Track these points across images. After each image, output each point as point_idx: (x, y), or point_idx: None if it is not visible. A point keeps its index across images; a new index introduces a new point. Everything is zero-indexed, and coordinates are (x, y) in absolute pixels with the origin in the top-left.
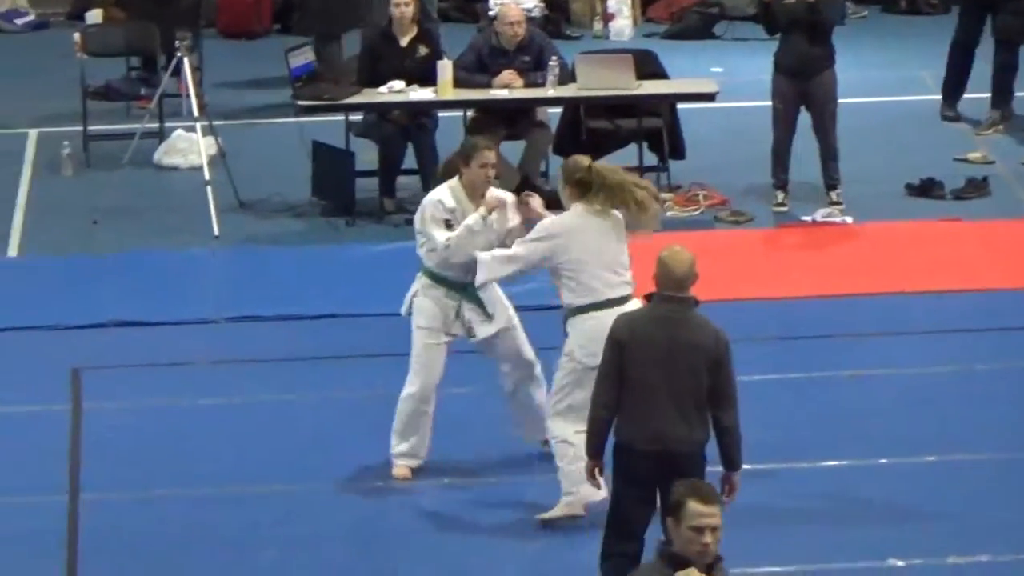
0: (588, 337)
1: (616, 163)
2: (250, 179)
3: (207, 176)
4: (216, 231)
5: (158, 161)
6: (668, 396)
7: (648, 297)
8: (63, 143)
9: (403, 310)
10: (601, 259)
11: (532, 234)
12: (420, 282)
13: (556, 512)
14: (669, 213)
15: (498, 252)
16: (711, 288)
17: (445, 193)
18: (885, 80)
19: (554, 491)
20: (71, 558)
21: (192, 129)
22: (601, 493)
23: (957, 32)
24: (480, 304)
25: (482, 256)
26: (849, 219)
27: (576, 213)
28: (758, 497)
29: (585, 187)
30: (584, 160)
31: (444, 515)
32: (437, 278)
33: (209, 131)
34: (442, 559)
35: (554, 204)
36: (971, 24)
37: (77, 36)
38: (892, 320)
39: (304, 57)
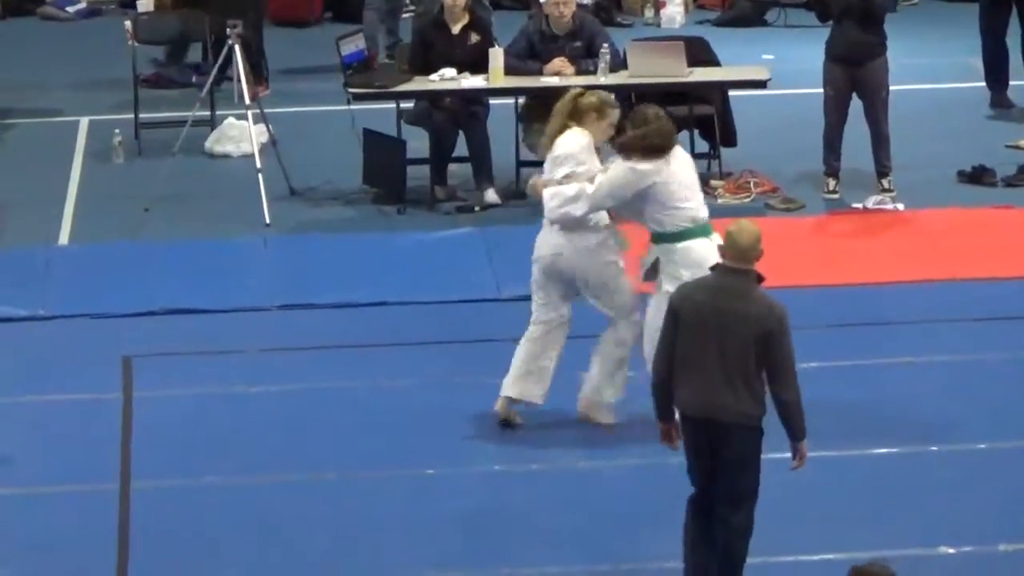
0: None
1: None
2: (301, 167)
3: (258, 164)
4: (267, 219)
5: (209, 149)
6: (716, 365)
7: (713, 267)
8: (114, 131)
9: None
10: None
11: None
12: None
13: None
14: (720, 200)
15: None
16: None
17: None
18: (936, 67)
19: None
20: (123, 546)
21: (243, 117)
22: None
23: (981, 20)
24: None
25: None
26: (900, 206)
27: None
28: (810, 485)
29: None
30: None
31: (489, 499)
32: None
33: (260, 119)
34: (486, 545)
35: None
36: (993, 10)
37: (128, 24)
38: (944, 307)
39: (355, 44)
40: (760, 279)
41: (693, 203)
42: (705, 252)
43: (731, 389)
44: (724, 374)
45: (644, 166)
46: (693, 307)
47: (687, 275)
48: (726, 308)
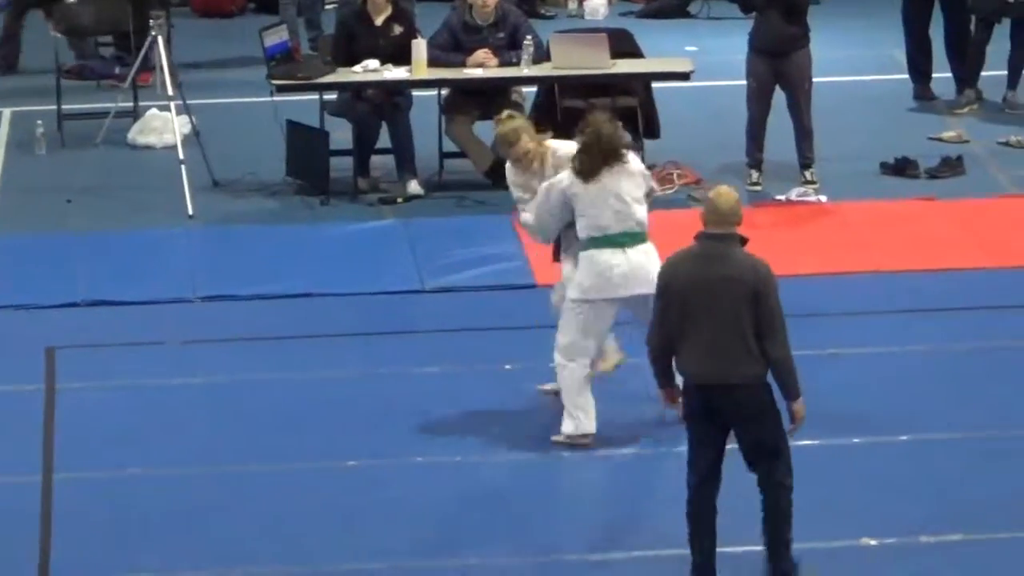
0: None
1: None
2: (224, 158)
3: (181, 155)
4: (190, 210)
5: (132, 140)
6: (712, 331)
7: (697, 236)
8: (37, 122)
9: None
10: None
11: None
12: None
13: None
14: None
15: None
16: None
17: None
18: (860, 59)
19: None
20: (45, 537)
21: (166, 108)
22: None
23: (903, 12)
24: None
25: None
26: (823, 198)
27: None
28: (730, 477)
29: None
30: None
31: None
32: None
33: (183, 110)
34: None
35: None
36: (915, 2)
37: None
38: (867, 299)
39: (279, 36)
40: (743, 241)
41: (604, 214)
42: (608, 261)
43: (730, 353)
44: (721, 338)
45: (558, 178)
46: (683, 277)
47: (586, 283)
48: (713, 274)
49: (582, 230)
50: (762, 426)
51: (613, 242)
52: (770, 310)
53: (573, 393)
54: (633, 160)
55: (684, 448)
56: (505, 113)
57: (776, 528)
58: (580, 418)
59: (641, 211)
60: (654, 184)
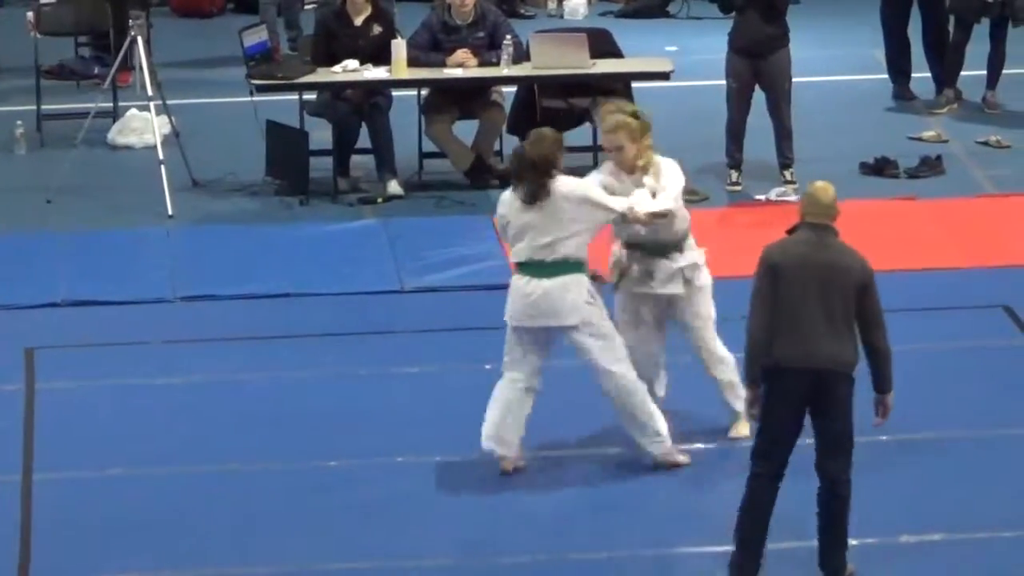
0: None
1: (570, 142)
2: (204, 158)
3: (161, 155)
4: (170, 210)
5: (112, 140)
6: (821, 316)
7: (792, 229)
8: (16, 122)
9: (579, 318)
10: None
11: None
12: (585, 281)
13: None
14: None
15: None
16: None
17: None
18: (839, 59)
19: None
20: (25, 538)
21: (146, 108)
22: None
23: (882, 12)
24: None
25: None
26: None
27: None
28: (707, 476)
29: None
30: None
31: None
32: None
33: (163, 110)
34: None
35: (508, 182)
36: (894, 2)
37: (30, 15)
38: None
39: (258, 36)
40: (837, 234)
41: (519, 243)
42: (522, 289)
43: (834, 339)
44: (827, 324)
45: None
46: (795, 260)
47: (508, 308)
48: (827, 260)
49: (511, 254)
50: (846, 418)
51: (531, 270)
52: (876, 301)
53: (491, 406)
54: (573, 186)
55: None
56: (613, 104)
57: (840, 524)
58: (489, 434)
59: (569, 244)
60: (616, 206)
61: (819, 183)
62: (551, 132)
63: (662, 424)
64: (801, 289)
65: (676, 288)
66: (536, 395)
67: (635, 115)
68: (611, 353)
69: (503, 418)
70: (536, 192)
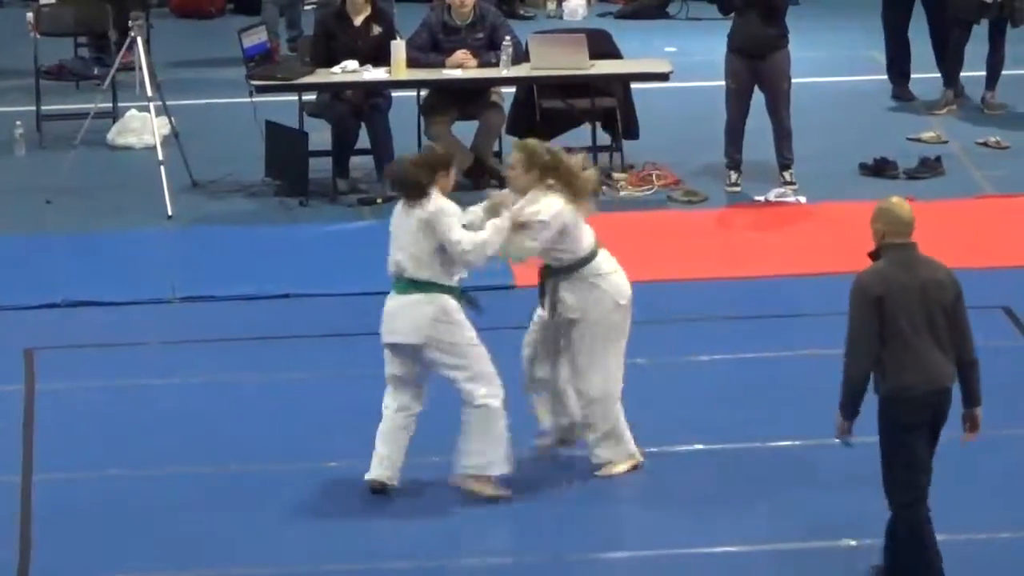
0: None
1: (570, 143)
2: (203, 159)
3: (160, 156)
4: (169, 211)
5: (111, 141)
6: (929, 337)
7: (876, 253)
8: (16, 122)
9: (420, 337)
10: None
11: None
12: (435, 304)
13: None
14: (623, 193)
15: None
16: (665, 268)
17: (445, 201)
18: (839, 60)
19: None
20: (24, 538)
21: (145, 109)
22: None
23: (883, 13)
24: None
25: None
26: (802, 199)
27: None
28: (712, 476)
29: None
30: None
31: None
32: (453, 290)
33: (162, 111)
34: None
35: (504, 183)
36: (895, 3)
37: (30, 15)
38: (845, 300)
39: (257, 37)
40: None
41: (391, 252)
42: (386, 303)
43: (944, 356)
44: (936, 344)
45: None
46: (898, 288)
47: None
48: (924, 281)
49: None
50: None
51: (392, 284)
52: (965, 311)
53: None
54: (431, 209)
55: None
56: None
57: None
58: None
59: (413, 263)
60: (460, 241)
61: (894, 199)
62: (438, 151)
63: (497, 457)
64: (908, 316)
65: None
66: (415, 418)
67: (536, 152)
68: (464, 372)
69: (384, 450)
70: (403, 205)
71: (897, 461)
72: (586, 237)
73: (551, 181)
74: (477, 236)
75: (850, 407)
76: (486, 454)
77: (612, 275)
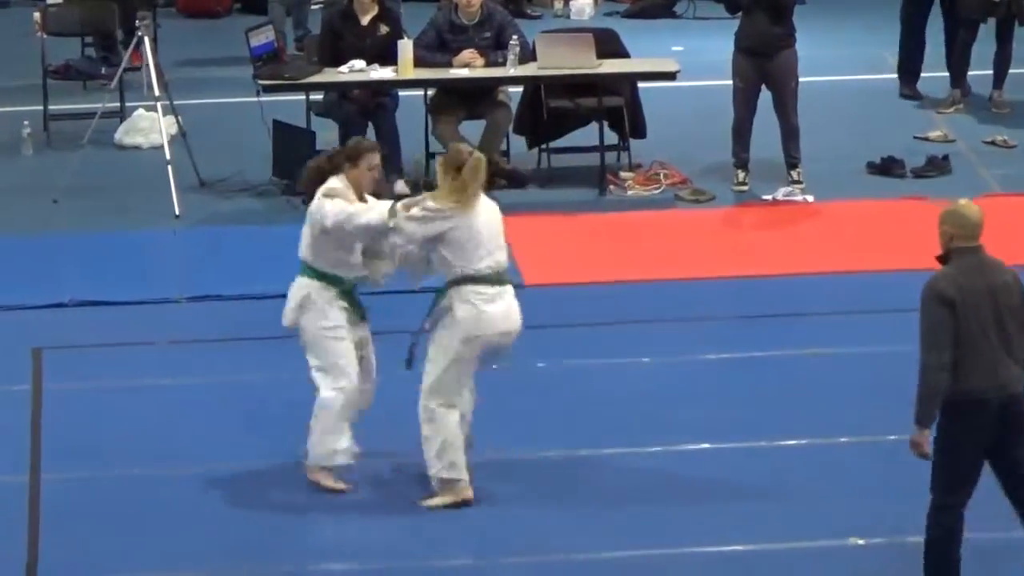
0: None
1: (577, 142)
2: (211, 158)
3: (168, 155)
4: (177, 210)
5: (119, 141)
6: (998, 341)
7: (944, 257)
8: (23, 122)
9: (288, 321)
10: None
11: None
12: (309, 286)
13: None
14: (630, 192)
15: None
16: (671, 267)
17: (339, 184)
18: (846, 59)
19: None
20: (32, 538)
21: (153, 108)
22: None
23: (902, 10)
24: (358, 305)
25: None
26: (810, 198)
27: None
28: (717, 475)
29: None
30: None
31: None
32: (329, 278)
33: (170, 110)
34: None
35: (514, 181)
36: (916, 1)
37: (37, 15)
38: (853, 299)
39: (264, 36)
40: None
41: None
42: None
43: (1012, 360)
44: (1005, 347)
45: None
46: (969, 292)
47: None
48: (992, 284)
49: None
50: None
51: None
52: None
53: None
54: (318, 202)
55: None
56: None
57: None
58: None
59: (305, 248)
60: (329, 223)
61: (962, 201)
62: (347, 148)
63: (335, 449)
64: (979, 320)
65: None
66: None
67: (456, 159)
68: (312, 360)
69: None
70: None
71: (947, 463)
72: (483, 257)
73: (451, 182)
74: (346, 207)
75: (929, 416)
76: (325, 444)
77: (482, 308)
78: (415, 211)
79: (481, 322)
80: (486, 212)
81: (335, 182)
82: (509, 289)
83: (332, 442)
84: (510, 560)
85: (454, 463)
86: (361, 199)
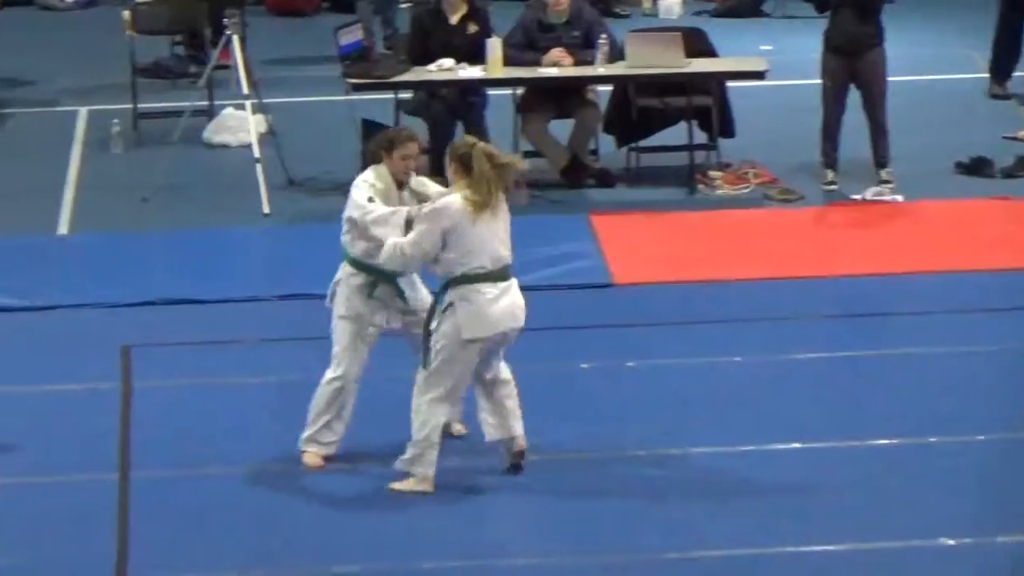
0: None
1: (666, 141)
2: (300, 157)
3: (257, 154)
4: (266, 209)
5: (208, 139)
6: None
7: None
8: (113, 121)
9: (327, 303)
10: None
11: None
12: (342, 271)
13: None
14: (719, 191)
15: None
16: (760, 266)
17: (372, 175)
18: (934, 58)
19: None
20: (122, 535)
21: (241, 107)
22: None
23: (1002, 8)
24: (401, 294)
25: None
26: (899, 197)
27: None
28: (807, 475)
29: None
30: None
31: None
32: (360, 266)
33: (259, 109)
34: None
35: (603, 181)
36: (1015, 1)
37: (126, 14)
38: (942, 298)
39: (353, 35)
40: None
41: None
42: None
43: None
44: None
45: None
46: None
47: None
48: None
49: None
50: None
51: None
52: None
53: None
54: (352, 190)
55: None
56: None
57: None
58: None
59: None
60: (355, 215)
61: None
62: (383, 136)
63: (307, 433)
64: None
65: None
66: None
67: (455, 145)
68: (335, 339)
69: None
70: None
71: None
72: (483, 255)
73: (459, 178)
74: (368, 206)
75: None
76: (307, 428)
77: (482, 309)
78: (425, 209)
79: (481, 324)
80: (492, 209)
81: (368, 172)
82: (512, 284)
83: (310, 429)
84: (604, 559)
85: (424, 458)
86: (400, 187)
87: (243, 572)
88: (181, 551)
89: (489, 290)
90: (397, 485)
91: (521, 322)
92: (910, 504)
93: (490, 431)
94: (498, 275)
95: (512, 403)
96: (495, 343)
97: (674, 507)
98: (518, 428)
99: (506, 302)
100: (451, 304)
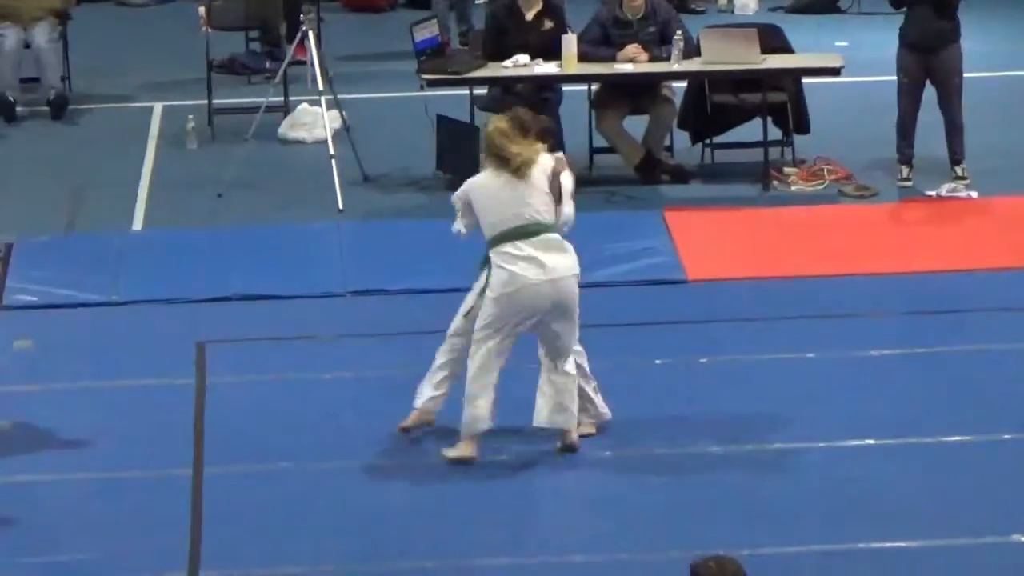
0: None
1: (740, 137)
2: (374, 153)
3: (331, 150)
4: (341, 205)
5: (283, 135)
6: None
7: None
8: (188, 116)
9: None
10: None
11: None
12: None
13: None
14: (794, 187)
15: None
16: (836, 262)
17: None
18: (1010, 54)
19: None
20: (195, 531)
21: (316, 103)
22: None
23: None
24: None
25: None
26: (974, 194)
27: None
28: (879, 471)
29: None
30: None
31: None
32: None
33: (334, 105)
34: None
35: (677, 176)
36: None
37: (202, 10)
38: (1018, 295)
39: (429, 31)
40: None
41: None
42: None
43: None
44: None
45: None
46: None
47: None
48: None
49: None
50: None
51: None
52: None
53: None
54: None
55: None
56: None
57: None
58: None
59: None
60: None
61: None
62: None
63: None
64: None
65: None
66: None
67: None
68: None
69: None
70: None
71: None
72: (492, 217)
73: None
74: None
75: None
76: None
77: (511, 268)
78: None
79: (511, 281)
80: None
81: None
82: (550, 239)
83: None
84: (673, 555)
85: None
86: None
87: (315, 568)
88: (253, 547)
89: (521, 248)
90: (449, 452)
91: (559, 274)
92: (984, 501)
93: (535, 416)
94: (530, 230)
95: (564, 398)
96: (533, 309)
97: (748, 503)
98: (568, 422)
99: (540, 259)
100: (489, 266)
